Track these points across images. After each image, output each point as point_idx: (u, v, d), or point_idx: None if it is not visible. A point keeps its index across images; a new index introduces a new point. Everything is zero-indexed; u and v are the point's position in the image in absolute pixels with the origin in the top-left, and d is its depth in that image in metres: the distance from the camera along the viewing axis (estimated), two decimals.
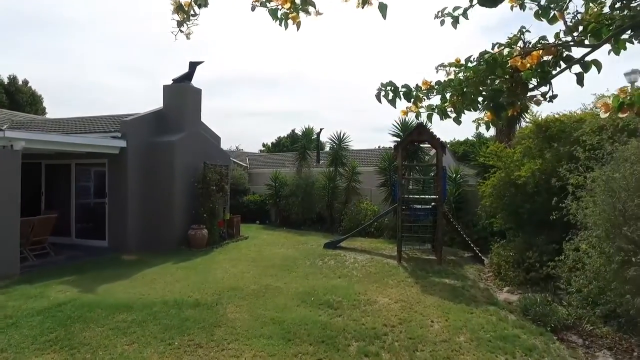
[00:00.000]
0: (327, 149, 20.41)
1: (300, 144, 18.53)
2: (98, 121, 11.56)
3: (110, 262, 9.21)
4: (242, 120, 74.69)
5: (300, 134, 18.64)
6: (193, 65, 11.80)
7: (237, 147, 44.81)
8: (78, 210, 11.10)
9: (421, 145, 14.49)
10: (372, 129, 66.92)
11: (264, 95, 74.49)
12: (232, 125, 73.70)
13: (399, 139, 13.27)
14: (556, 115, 7.89)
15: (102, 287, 6.95)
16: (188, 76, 11.75)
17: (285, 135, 46.04)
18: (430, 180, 12.95)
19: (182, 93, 11.55)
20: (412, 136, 9.78)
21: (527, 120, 8.45)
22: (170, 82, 11.73)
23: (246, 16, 62.83)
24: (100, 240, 10.66)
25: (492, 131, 22.50)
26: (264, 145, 49.67)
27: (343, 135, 16.96)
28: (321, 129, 24.09)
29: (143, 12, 54.44)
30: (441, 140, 9.51)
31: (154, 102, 67.70)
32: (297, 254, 10.49)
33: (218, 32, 64.06)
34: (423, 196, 10.18)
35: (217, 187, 11.66)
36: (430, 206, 10.33)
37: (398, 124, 14.59)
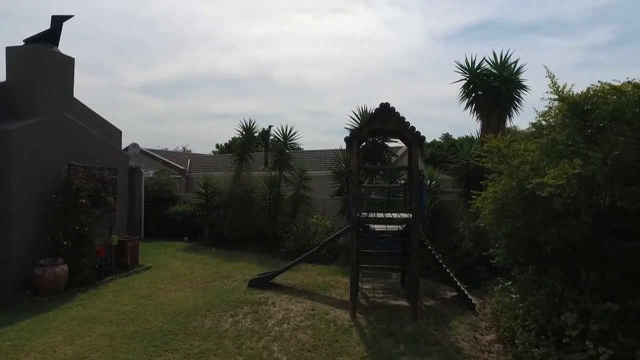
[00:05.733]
0: None
1: (239, 143, 14.97)
2: None
3: None
4: (207, 122, 70.16)
5: (241, 129, 14.93)
6: (57, 21, 8.03)
7: (183, 148, 40.84)
8: None
9: (386, 143, 11.37)
10: (338, 133, 63.94)
11: (230, 97, 70.24)
12: (195, 127, 68.98)
13: None
14: (609, 85, 4.74)
15: None
16: (49, 36, 7.97)
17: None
18: (398, 189, 9.69)
19: (37, 59, 7.70)
20: (374, 124, 6.46)
21: (551, 96, 5.32)
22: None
23: (212, 16, 58.62)
24: None
25: (472, 127, 19.71)
26: (217, 146, 45.64)
27: (290, 131, 13.55)
28: (270, 126, 20.68)
29: (103, 8, 49.06)
30: (417, 130, 6.27)
31: (116, 102, 62.04)
32: (203, 301, 6.95)
33: (185, 31, 59.31)
34: (390, 215, 6.88)
35: (94, 199, 7.93)
36: (400, 228, 7.06)
37: (357, 114, 11.35)
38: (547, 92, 5.35)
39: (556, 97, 5.30)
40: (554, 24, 49.90)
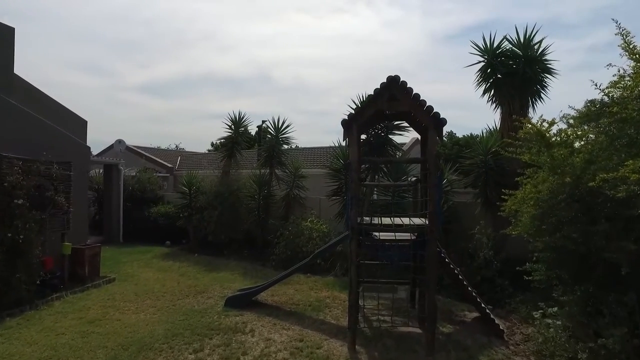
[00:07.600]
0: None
1: (228, 138, 13.38)
2: None
3: None
4: (206, 122, 68.78)
5: (230, 123, 13.30)
6: None
7: (176, 146, 39.49)
8: None
9: (390, 136, 9.94)
10: (338, 132, 61.98)
11: (229, 97, 68.77)
12: (195, 127, 67.57)
13: None
14: None
15: None
16: None
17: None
18: (406, 189, 8.25)
19: None
20: (378, 103, 5.01)
21: (621, 64, 3.89)
22: None
23: (212, 16, 57.21)
24: None
25: (474, 127, 18.14)
26: (212, 144, 44.17)
27: (283, 124, 12.10)
28: (264, 121, 19.24)
29: (101, 7, 47.55)
30: (436, 111, 4.84)
31: (115, 102, 60.55)
32: (164, 327, 5.51)
33: (185, 31, 57.81)
34: (399, 220, 5.44)
35: (36, 199, 6.51)
36: (412, 237, 5.60)
37: (357, 104, 9.88)
38: (621, 55, 3.94)
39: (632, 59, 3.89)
40: (554, 25, 48.60)
